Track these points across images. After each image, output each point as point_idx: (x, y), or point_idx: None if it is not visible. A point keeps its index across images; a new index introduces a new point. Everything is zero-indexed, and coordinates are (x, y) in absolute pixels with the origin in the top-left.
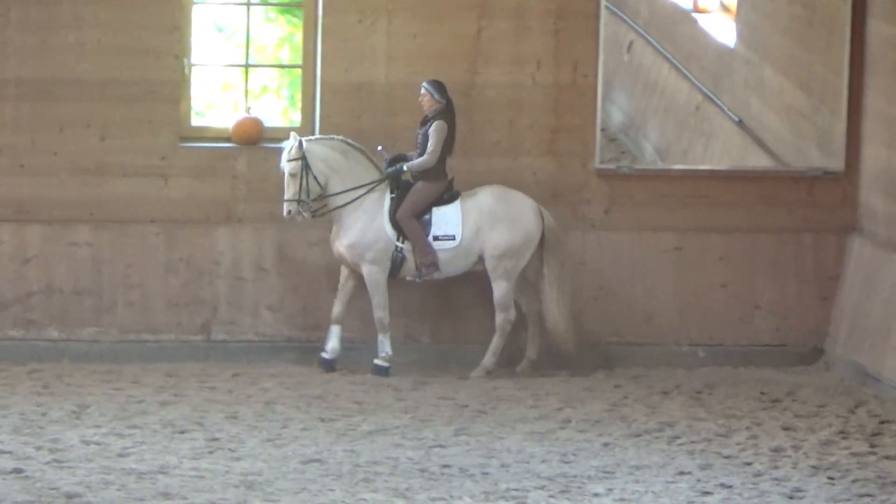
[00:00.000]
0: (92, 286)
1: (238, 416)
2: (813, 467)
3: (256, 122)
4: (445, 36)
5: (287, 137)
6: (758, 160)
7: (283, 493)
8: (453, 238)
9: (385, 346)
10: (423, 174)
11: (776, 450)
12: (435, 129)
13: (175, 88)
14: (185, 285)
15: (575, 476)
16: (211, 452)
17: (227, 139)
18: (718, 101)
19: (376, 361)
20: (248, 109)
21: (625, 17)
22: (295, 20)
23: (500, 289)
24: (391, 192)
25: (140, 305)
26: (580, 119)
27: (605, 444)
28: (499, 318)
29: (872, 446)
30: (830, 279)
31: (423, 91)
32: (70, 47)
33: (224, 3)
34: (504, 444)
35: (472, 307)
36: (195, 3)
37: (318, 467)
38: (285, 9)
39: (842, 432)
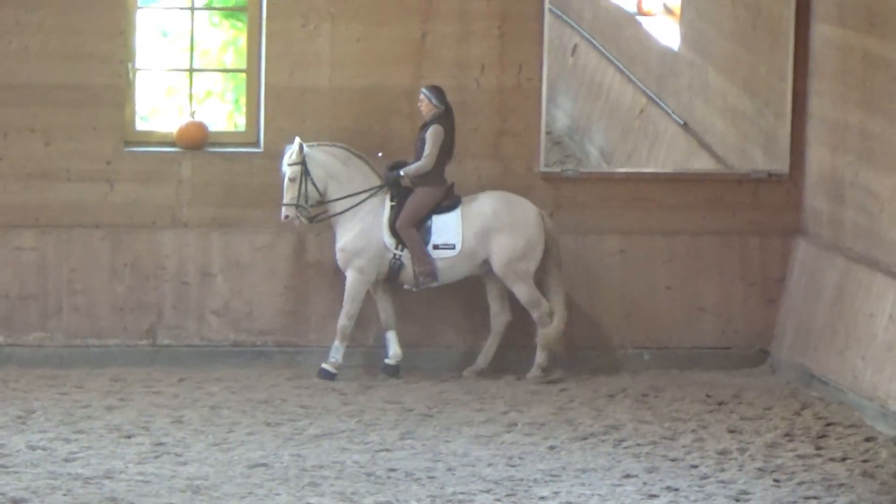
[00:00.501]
0: (37, 291)
1: (184, 420)
2: (759, 470)
3: (201, 127)
4: (389, 40)
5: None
6: (702, 163)
7: (230, 498)
8: (453, 247)
9: (338, 353)
10: (421, 179)
11: (722, 452)
12: (431, 134)
13: (119, 93)
14: (130, 290)
15: (521, 479)
16: (157, 457)
17: (172, 143)
18: (663, 104)
19: (323, 365)
20: (192, 113)
21: (569, 21)
22: (239, 24)
23: (520, 291)
24: (391, 200)
25: (85, 310)
26: (525, 122)
27: (551, 448)
28: (534, 315)
29: (818, 448)
30: (775, 281)
31: (421, 96)
32: (14, 53)
33: (168, 8)
34: (450, 448)
35: (421, 311)
36: (139, 8)
37: (264, 471)
38: (229, 13)
39: (787, 435)
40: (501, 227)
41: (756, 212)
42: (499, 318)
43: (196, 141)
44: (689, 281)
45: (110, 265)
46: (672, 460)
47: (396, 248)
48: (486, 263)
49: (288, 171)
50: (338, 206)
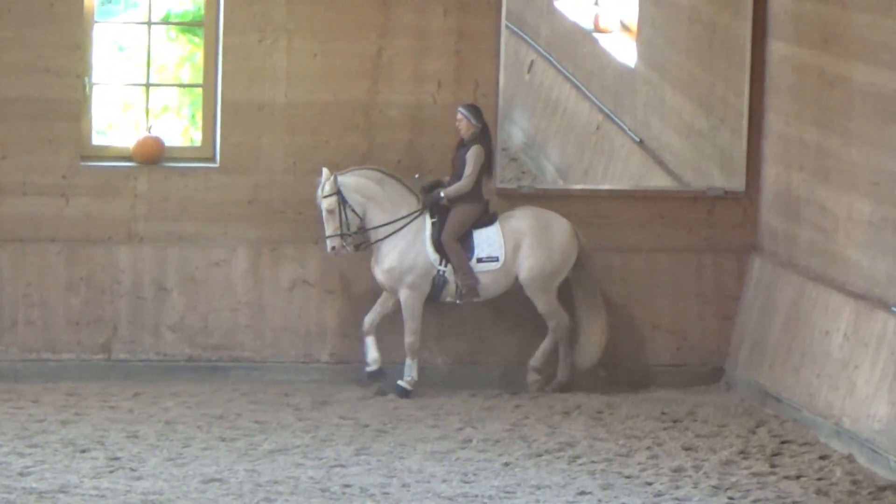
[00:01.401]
0: None
1: (139, 435)
2: (714, 487)
3: (157, 141)
4: (346, 55)
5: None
6: (658, 180)
7: None
8: (497, 259)
9: (412, 370)
10: (460, 197)
11: (677, 470)
12: (473, 154)
13: (76, 107)
14: (85, 304)
15: (476, 496)
16: (112, 472)
17: (128, 158)
18: (619, 121)
19: (400, 382)
20: (148, 128)
21: (525, 37)
22: (196, 39)
23: (541, 302)
24: (431, 217)
25: (40, 324)
26: None
27: (506, 464)
28: (551, 324)
29: (773, 466)
30: (731, 299)
31: (459, 116)
32: None
33: (125, 23)
34: (405, 464)
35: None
36: (96, 22)
37: (218, 487)
38: (186, 28)
39: (742, 452)
40: (536, 242)
41: (712, 229)
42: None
43: (152, 156)
44: (645, 298)
45: (66, 279)
46: (627, 477)
47: (440, 264)
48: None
49: (324, 203)
50: (381, 232)
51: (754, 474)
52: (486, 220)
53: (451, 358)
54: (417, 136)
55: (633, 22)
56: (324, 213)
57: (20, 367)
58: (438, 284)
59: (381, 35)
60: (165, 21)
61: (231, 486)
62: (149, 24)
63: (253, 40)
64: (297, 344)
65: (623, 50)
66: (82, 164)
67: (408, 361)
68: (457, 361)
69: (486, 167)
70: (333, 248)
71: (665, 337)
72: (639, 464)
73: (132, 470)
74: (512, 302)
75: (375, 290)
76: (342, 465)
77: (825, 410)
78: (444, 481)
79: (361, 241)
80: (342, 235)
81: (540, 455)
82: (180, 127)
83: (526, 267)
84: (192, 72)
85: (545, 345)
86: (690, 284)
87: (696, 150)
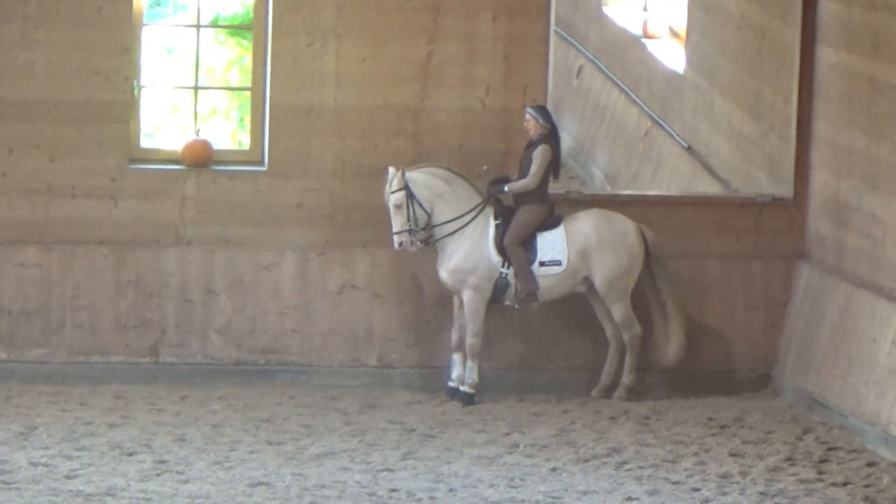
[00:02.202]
0: (40, 307)
1: (186, 438)
2: (761, 494)
3: (205, 145)
4: (395, 59)
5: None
6: (707, 186)
7: None
8: (559, 263)
9: (473, 373)
10: (524, 197)
11: (724, 476)
12: (540, 153)
13: (124, 110)
14: (133, 307)
15: (522, 501)
16: (159, 475)
17: (177, 161)
18: (667, 127)
19: (462, 388)
20: (197, 131)
21: (574, 43)
22: (244, 43)
23: (618, 310)
24: (495, 219)
25: (88, 327)
26: None
27: (553, 470)
28: (625, 336)
29: (820, 473)
30: (779, 305)
31: (527, 117)
32: (20, 68)
33: (174, 26)
34: (451, 469)
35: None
36: (145, 25)
37: (265, 490)
38: (235, 31)
39: (789, 459)
40: (603, 245)
41: (760, 236)
42: (617, 334)
43: (200, 159)
44: (693, 304)
45: (114, 282)
46: (674, 483)
47: (503, 267)
48: (586, 282)
49: (392, 198)
50: (447, 228)
51: (801, 481)
52: (551, 222)
53: (499, 363)
54: (466, 140)
55: (681, 28)
56: (391, 209)
57: (68, 370)
58: (500, 287)
59: (431, 40)
60: (214, 24)
61: (278, 490)
62: (197, 26)
63: (302, 44)
64: (344, 348)
65: (672, 56)
66: (131, 166)
67: (469, 363)
68: (506, 367)
69: (553, 167)
70: (401, 243)
71: (713, 343)
72: (686, 470)
73: (179, 473)
74: (561, 308)
75: (423, 294)
76: (389, 470)
77: (873, 417)
78: (491, 486)
79: (428, 236)
80: (410, 231)
81: (587, 460)
82: (229, 130)
83: (597, 270)
84: (241, 75)
85: (629, 361)
86: (738, 291)
87: (744, 157)
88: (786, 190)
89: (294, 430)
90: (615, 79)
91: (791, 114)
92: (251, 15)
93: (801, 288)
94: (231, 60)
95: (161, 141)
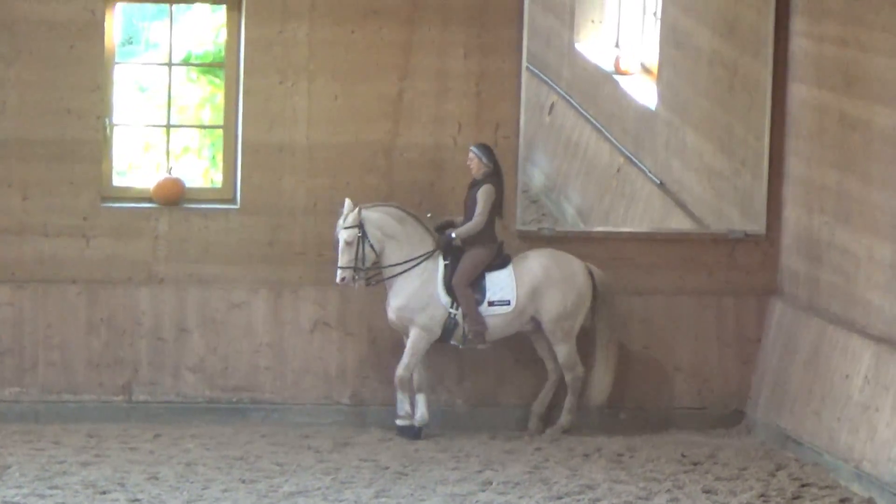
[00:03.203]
0: (13, 346)
1: (159, 476)
2: None
3: (178, 183)
4: (367, 97)
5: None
6: (679, 222)
7: None
8: (508, 303)
9: (403, 404)
10: (473, 239)
11: None
12: (483, 193)
13: (96, 148)
14: (106, 345)
15: None
16: None
17: (149, 199)
18: (640, 164)
19: (398, 422)
20: (169, 169)
21: (546, 79)
22: (216, 81)
23: (562, 351)
24: (444, 259)
25: (61, 365)
26: None
27: None
28: (567, 377)
29: None
30: (751, 342)
31: (471, 155)
32: None
33: (146, 64)
34: None
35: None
36: (117, 63)
37: None
38: (207, 69)
39: (763, 496)
40: (552, 284)
41: (732, 272)
42: (557, 369)
43: (173, 197)
44: (665, 340)
45: (86, 320)
46: None
47: (451, 307)
48: (533, 321)
49: (344, 234)
50: (394, 270)
51: None
52: (500, 262)
53: (471, 400)
54: (438, 177)
55: (653, 64)
56: (341, 244)
57: (40, 408)
58: (449, 327)
59: (402, 77)
60: (186, 62)
61: None
62: (170, 65)
63: (274, 81)
64: (317, 386)
65: (644, 92)
66: (103, 205)
67: (398, 396)
68: (477, 403)
69: (498, 207)
70: (343, 279)
71: (686, 379)
72: None
73: None
74: (531, 343)
75: (396, 332)
76: None
77: (846, 453)
78: None
79: (373, 275)
80: (355, 269)
81: (560, 498)
82: (201, 168)
83: (544, 309)
84: (213, 113)
85: (547, 390)
86: (711, 327)
87: (716, 193)
88: (758, 226)
89: (267, 468)
90: (587, 115)
91: (763, 150)
92: (223, 53)
93: (773, 324)
94: (203, 98)
95: (133, 179)
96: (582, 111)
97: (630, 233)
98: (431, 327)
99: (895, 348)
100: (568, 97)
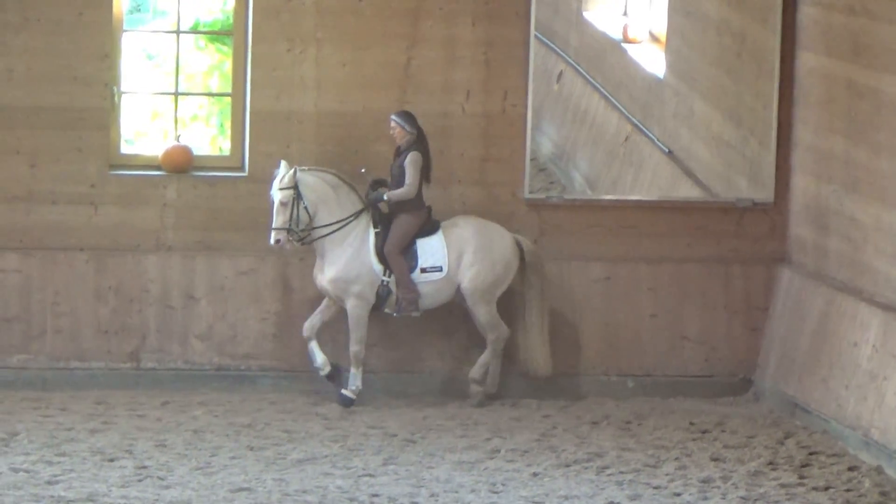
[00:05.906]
0: (21, 313)
1: (167, 444)
2: (742, 498)
3: (186, 150)
4: (375, 65)
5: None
6: (687, 191)
7: None
8: (440, 269)
9: (356, 380)
10: (402, 206)
11: (705, 481)
12: (411, 161)
13: (104, 116)
14: (114, 313)
15: None
16: (140, 480)
17: (157, 167)
18: (648, 132)
19: (343, 392)
20: (177, 137)
21: (555, 47)
22: (224, 49)
23: (481, 313)
24: (374, 227)
25: (69, 333)
26: (509, 149)
27: (534, 475)
28: (491, 336)
29: (801, 477)
30: (759, 310)
31: (392, 123)
32: None
33: (154, 31)
34: (433, 474)
35: (405, 337)
36: (125, 31)
37: (247, 496)
38: (215, 37)
39: (771, 463)
40: (479, 251)
41: (740, 240)
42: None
43: (181, 165)
44: (673, 309)
45: (94, 288)
46: (655, 488)
47: (384, 275)
48: (462, 288)
49: (279, 195)
50: (324, 231)
51: (783, 485)
52: (429, 228)
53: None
54: (446, 145)
55: (662, 32)
56: (276, 205)
57: (48, 376)
58: (382, 295)
59: (411, 45)
60: (194, 30)
61: (259, 496)
62: (177, 32)
63: (282, 49)
64: (325, 353)
65: (652, 60)
66: (111, 172)
67: (353, 371)
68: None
69: (426, 173)
70: (278, 241)
71: (694, 348)
72: (667, 475)
73: (160, 479)
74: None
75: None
76: (370, 475)
77: (854, 421)
78: (473, 491)
79: (306, 236)
80: (289, 230)
81: (568, 465)
82: (209, 136)
83: (468, 277)
84: (221, 81)
85: (485, 357)
86: (719, 295)
87: (725, 161)
88: (766, 194)
89: (275, 435)
90: (595, 83)
91: (771, 118)
92: (231, 21)
93: (781, 292)
94: (211, 66)
95: (141, 147)
96: (590, 79)
97: (638, 201)
98: (366, 295)
99: None
100: (576, 65)
